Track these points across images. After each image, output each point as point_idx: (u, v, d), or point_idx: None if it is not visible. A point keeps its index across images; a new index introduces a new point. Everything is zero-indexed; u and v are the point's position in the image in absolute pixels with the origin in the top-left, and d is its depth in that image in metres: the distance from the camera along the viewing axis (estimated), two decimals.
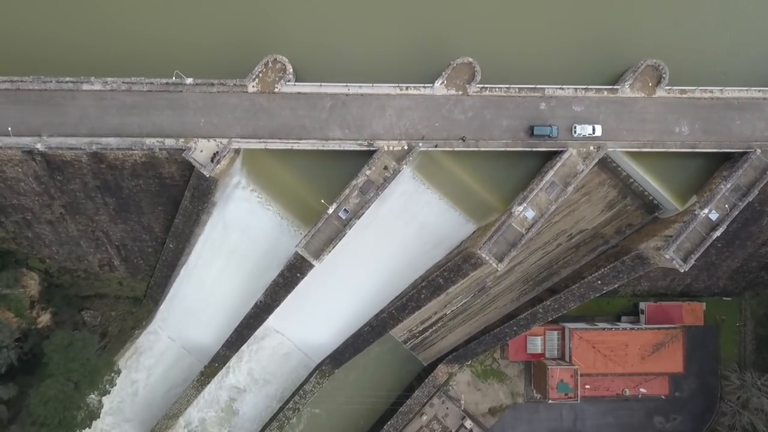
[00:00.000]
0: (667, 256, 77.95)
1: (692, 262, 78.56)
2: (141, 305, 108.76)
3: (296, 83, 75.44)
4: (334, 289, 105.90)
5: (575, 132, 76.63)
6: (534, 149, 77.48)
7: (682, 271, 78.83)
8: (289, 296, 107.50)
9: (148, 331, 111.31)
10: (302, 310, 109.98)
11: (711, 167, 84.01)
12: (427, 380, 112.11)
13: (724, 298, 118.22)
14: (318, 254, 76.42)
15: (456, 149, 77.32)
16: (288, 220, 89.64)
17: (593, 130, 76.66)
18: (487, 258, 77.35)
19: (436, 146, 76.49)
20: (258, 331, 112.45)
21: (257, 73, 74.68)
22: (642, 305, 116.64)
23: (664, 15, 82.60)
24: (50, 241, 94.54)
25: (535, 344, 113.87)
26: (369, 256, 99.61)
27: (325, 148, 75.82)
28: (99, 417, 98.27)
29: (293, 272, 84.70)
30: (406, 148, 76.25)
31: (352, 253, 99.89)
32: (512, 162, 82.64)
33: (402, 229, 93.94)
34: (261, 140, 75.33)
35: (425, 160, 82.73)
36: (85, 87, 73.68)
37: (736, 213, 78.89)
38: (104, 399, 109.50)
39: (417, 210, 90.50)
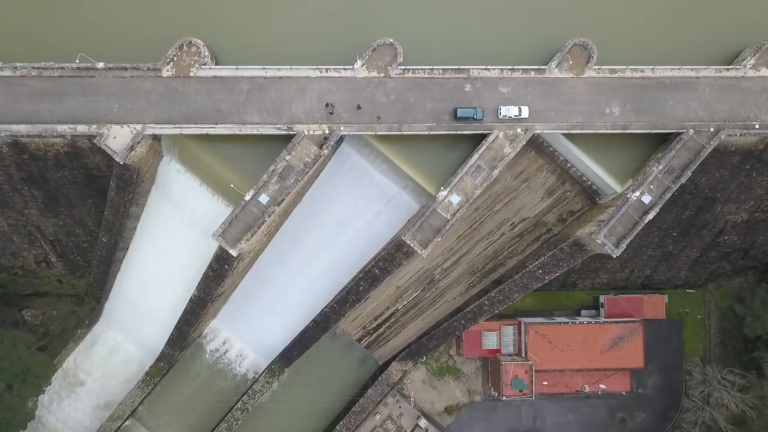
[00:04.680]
0: (599, 241, 75.39)
1: (624, 246, 75.83)
2: (83, 303, 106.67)
3: (212, 67, 73.47)
4: (282, 286, 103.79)
5: (500, 114, 74.14)
6: (458, 132, 75.14)
7: (614, 256, 76.09)
8: (237, 296, 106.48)
9: (92, 331, 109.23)
10: (250, 309, 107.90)
11: (651, 150, 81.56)
12: (380, 378, 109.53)
13: (687, 291, 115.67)
14: (235, 243, 74.10)
15: (379, 133, 75.16)
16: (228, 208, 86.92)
17: (519, 111, 74.17)
18: (411, 244, 74.94)
19: (357, 130, 74.35)
20: (205, 330, 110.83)
21: (171, 56, 72.83)
22: (602, 298, 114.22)
23: None
24: None
25: (491, 340, 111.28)
26: (314, 247, 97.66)
27: (242, 133, 73.79)
28: (34, 418, 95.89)
29: (221, 264, 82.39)
30: (327, 132, 74.13)
31: (297, 246, 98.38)
32: (448, 146, 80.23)
33: (345, 215, 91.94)
34: (176, 125, 73.30)
35: (360, 143, 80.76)
36: None
37: (669, 196, 76.21)
38: (48, 401, 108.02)
39: (360, 193, 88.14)
